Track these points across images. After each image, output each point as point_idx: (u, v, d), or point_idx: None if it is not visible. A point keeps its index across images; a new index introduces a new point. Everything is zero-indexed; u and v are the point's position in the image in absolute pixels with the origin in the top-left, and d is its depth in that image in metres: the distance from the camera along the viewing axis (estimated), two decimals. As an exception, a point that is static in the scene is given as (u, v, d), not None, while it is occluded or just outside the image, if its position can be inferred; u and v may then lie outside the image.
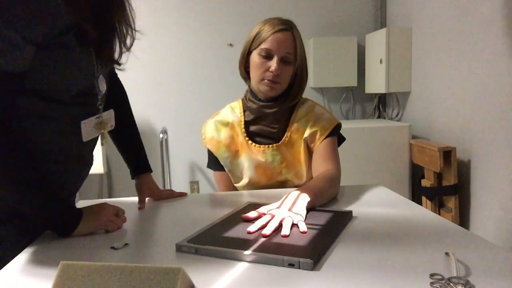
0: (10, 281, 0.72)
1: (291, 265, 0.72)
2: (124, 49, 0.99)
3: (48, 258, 0.81)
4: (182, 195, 1.28)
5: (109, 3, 0.91)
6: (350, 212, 1.00)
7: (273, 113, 1.32)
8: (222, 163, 1.39)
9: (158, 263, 0.77)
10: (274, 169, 1.34)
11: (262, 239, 0.83)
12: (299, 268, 0.71)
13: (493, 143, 2.04)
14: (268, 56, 1.26)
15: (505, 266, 0.70)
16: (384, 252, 0.77)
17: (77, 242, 0.89)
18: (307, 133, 1.31)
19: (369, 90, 3.19)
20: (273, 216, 0.93)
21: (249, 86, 1.37)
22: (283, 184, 1.36)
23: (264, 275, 0.70)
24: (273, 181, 1.36)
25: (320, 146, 1.30)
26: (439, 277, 0.65)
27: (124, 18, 0.96)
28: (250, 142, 1.35)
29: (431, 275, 0.66)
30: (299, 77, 1.32)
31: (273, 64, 1.25)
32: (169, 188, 3.17)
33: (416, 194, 2.59)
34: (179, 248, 0.81)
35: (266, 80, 1.27)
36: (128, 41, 1.00)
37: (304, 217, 0.95)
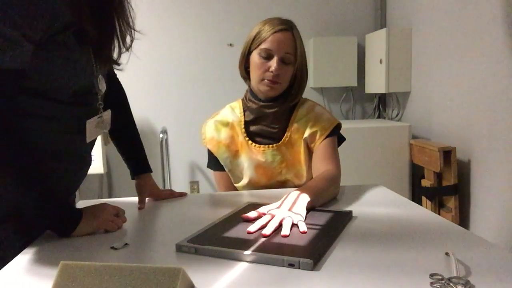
0: (10, 281, 0.72)
1: (291, 265, 0.72)
2: (123, 49, 0.99)
3: (48, 258, 0.81)
4: (182, 195, 1.28)
5: (109, 2, 0.91)
6: (350, 212, 1.00)
7: (273, 113, 1.32)
8: (222, 163, 1.39)
9: (158, 263, 0.77)
10: (274, 169, 1.34)
11: (262, 239, 0.83)
12: (299, 268, 0.71)
13: (493, 143, 2.04)
14: (268, 56, 1.26)
15: (505, 266, 0.70)
16: (384, 252, 0.77)
17: (77, 242, 0.89)
18: (307, 133, 1.31)
19: (369, 90, 3.19)
20: (273, 216, 0.93)
21: (249, 86, 1.37)
22: (283, 184, 1.36)
23: (264, 275, 0.70)
24: (273, 181, 1.36)
25: (320, 146, 1.30)
26: (439, 277, 0.65)
27: (124, 18, 0.96)
28: (250, 142, 1.35)
29: (431, 275, 0.66)
30: (299, 77, 1.32)
31: (273, 64, 1.25)
32: (169, 188, 3.17)
33: (416, 194, 2.59)
34: (179, 248, 0.81)
35: (266, 80, 1.27)
36: (127, 41, 1.00)
37: (304, 217, 0.95)
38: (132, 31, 1.00)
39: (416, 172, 2.61)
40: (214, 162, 1.41)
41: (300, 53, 1.29)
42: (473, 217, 2.24)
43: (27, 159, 0.86)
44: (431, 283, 0.64)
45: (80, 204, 1.15)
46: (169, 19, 3.18)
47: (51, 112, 0.90)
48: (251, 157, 1.34)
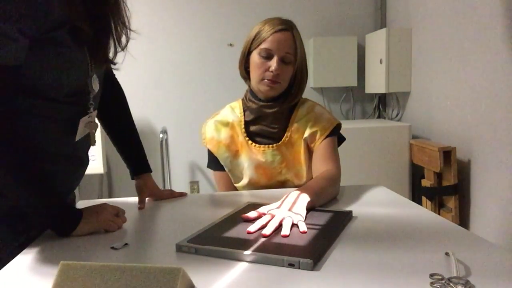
0: (10, 281, 0.72)
1: (291, 265, 0.72)
2: (118, 49, 0.99)
3: (48, 258, 0.81)
4: (182, 195, 1.28)
5: (104, 1, 0.91)
6: (350, 212, 1.00)
7: (273, 113, 1.32)
8: (222, 163, 1.39)
9: (158, 263, 0.77)
10: (274, 169, 1.34)
11: (262, 239, 0.83)
12: (299, 268, 0.71)
13: (493, 143, 2.04)
14: (268, 56, 1.26)
15: (505, 266, 0.70)
16: (384, 252, 0.77)
17: (77, 242, 0.89)
18: (307, 133, 1.31)
19: (369, 90, 3.19)
20: (273, 216, 0.93)
21: (249, 86, 1.37)
22: (283, 184, 1.36)
23: (264, 275, 0.70)
24: (273, 181, 1.36)
25: (320, 146, 1.30)
26: (439, 277, 0.65)
27: (119, 17, 0.96)
28: (250, 142, 1.35)
29: (431, 275, 0.66)
30: (299, 77, 1.32)
31: (273, 64, 1.25)
32: (169, 188, 3.17)
33: (416, 194, 2.59)
34: (179, 248, 0.81)
35: (266, 80, 1.27)
36: (123, 41, 0.99)
37: (304, 217, 0.95)
38: (128, 30, 0.99)
39: (416, 172, 2.61)
40: (214, 162, 1.41)
41: (300, 53, 1.29)
42: (473, 217, 2.23)
43: (26, 158, 0.86)
44: (431, 283, 0.64)
45: (80, 204, 1.15)
46: (169, 19, 3.18)
47: (46, 111, 0.90)
48: (251, 157, 1.34)
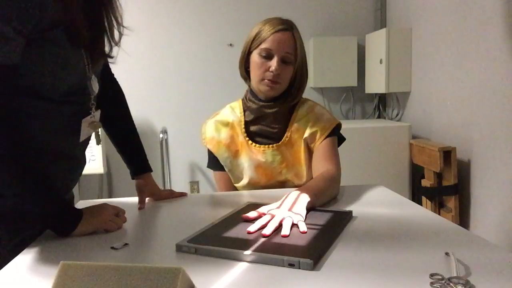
0: (10, 281, 0.72)
1: (291, 265, 0.72)
2: (113, 44, 0.99)
3: (48, 258, 0.81)
4: (182, 195, 1.28)
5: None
6: (350, 212, 1.00)
7: (273, 113, 1.32)
8: (222, 163, 1.39)
9: (158, 263, 0.77)
10: (274, 169, 1.34)
11: (262, 239, 0.83)
12: (299, 268, 0.71)
13: (493, 143, 2.04)
14: (268, 56, 1.26)
15: (505, 266, 0.70)
16: (384, 252, 0.77)
17: (77, 242, 0.89)
18: (307, 133, 1.31)
19: (369, 90, 3.19)
20: (273, 216, 0.93)
21: (249, 86, 1.37)
22: (283, 184, 1.36)
23: (264, 275, 0.70)
24: (273, 181, 1.36)
25: (320, 146, 1.30)
26: (439, 277, 0.65)
27: (113, 14, 0.96)
28: (250, 142, 1.35)
29: (431, 275, 0.66)
30: (299, 77, 1.32)
31: (273, 64, 1.25)
32: (169, 188, 3.17)
33: (416, 194, 2.59)
34: (179, 248, 0.81)
35: (266, 80, 1.27)
36: (116, 37, 1.00)
37: (304, 217, 0.95)
38: (122, 27, 0.99)
39: (416, 172, 2.61)
40: (214, 162, 1.41)
41: (300, 53, 1.29)
42: (473, 217, 2.23)
43: (26, 158, 0.86)
44: (431, 283, 0.64)
45: (80, 204, 1.15)
46: (169, 19, 3.18)
47: (42, 111, 0.90)
48: (251, 157, 1.34)
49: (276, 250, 0.76)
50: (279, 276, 0.69)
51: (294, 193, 1.05)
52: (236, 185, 1.41)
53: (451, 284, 0.62)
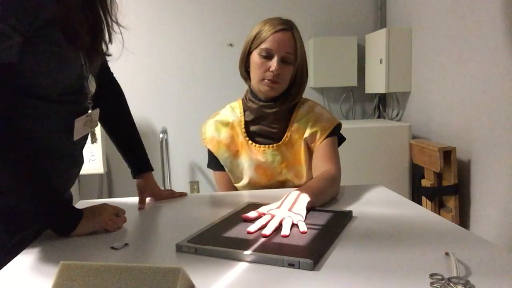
0: (10, 281, 0.72)
1: (291, 265, 0.72)
2: (109, 43, 0.99)
3: (48, 258, 0.81)
4: (182, 195, 1.28)
5: None
6: (350, 212, 1.00)
7: (273, 113, 1.32)
8: (222, 163, 1.39)
9: (158, 263, 0.77)
10: (274, 169, 1.34)
11: (262, 239, 0.83)
12: (299, 268, 0.71)
13: (493, 143, 2.04)
14: (268, 56, 1.26)
15: (505, 266, 0.70)
16: (384, 252, 0.77)
17: (77, 242, 0.89)
18: (307, 133, 1.31)
19: (369, 90, 3.19)
20: (273, 216, 0.93)
21: (249, 86, 1.37)
22: (283, 184, 1.36)
23: (264, 275, 0.70)
24: (273, 181, 1.36)
25: (320, 146, 1.30)
26: (439, 277, 0.65)
27: (109, 11, 0.96)
28: (250, 142, 1.35)
29: (431, 275, 0.66)
30: (299, 77, 1.32)
31: (273, 64, 1.25)
32: (169, 188, 3.17)
33: (416, 194, 2.59)
34: (179, 248, 0.81)
35: (266, 80, 1.27)
36: (112, 35, 1.00)
37: (304, 217, 0.95)
38: (119, 27, 0.99)
39: (416, 172, 2.61)
40: (214, 162, 1.41)
41: (300, 53, 1.29)
42: (473, 217, 2.23)
43: (26, 158, 0.86)
44: (431, 283, 0.64)
45: (80, 204, 1.15)
46: (169, 19, 3.18)
47: (39, 111, 0.89)
48: (251, 157, 1.34)
49: (276, 250, 0.76)
50: (279, 276, 0.69)
51: (294, 193, 1.05)
52: (236, 185, 1.41)
53: (451, 284, 0.62)
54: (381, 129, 2.65)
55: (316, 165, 1.29)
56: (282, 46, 1.25)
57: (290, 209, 0.97)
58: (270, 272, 0.70)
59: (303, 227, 0.88)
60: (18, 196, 0.87)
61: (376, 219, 0.97)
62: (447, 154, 2.23)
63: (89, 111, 0.99)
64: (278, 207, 0.99)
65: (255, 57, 1.28)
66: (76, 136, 0.98)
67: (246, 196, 1.26)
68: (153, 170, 1.24)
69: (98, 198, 3.16)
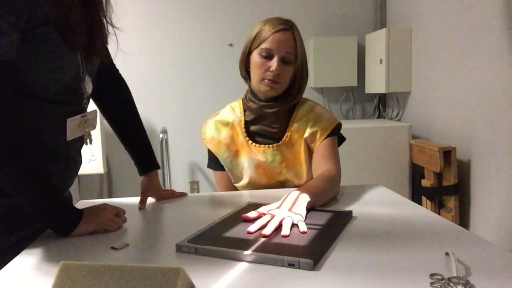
0: (11, 281, 0.72)
1: (291, 265, 0.72)
2: (106, 43, 1.00)
3: (48, 258, 0.81)
4: (182, 195, 1.28)
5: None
6: (350, 212, 1.00)
7: (274, 113, 1.32)
8: (222, 163, 1.39)
9: (158, 263, 0.77)
10: (274, 169, 1.34)
11: (262, 239, 0.83)
12: (299, 268, 0.71)
13: (493, 143, 2.04)
14: (268, 56, 1.26)
15: (505, 266, 0.70)
16: (384, 252, 0.77)
17: (77, 242, 0.89)
18: (307, 133, 1.31)
19: (369, 90, 3.19)
20: (273, 216, 0.93)
21: (250, 86, 1.37)
22: (283, 184, 1.36)
23: (264, 275, 0.70)
24: (273, 181, 1.36)
25: (321, 146, 1.30)
26: (439, 277, 0.65)
27: (104, 12, 0.97)
28: (250, 142, 1.35)
29: (431, 275, 0.66)
30: (299, 77, 1.32)
31: (274, 64, 1.25)
32: (169, 188, 3.17)
33: (416, 194, 2.59)
34: (179, 248, 0.81)
35: (266, 80, 1.27)
36: (106, 35, 1.00)
37: (304, 217, 0.95)
38: (113, 28, 0.99)
39: (416, 172, 2.61)
40: (214, 162, 1.41)
41: (300, 53, 1.29)
42: (473, 217, 2.23)
43: (26, 158, 0.86)
44: (431, 283, 0.64)
45: (80, 204, 1.15)
46: (169, 19, 3.18)
47: (35, 110, 0.89)
48: (251, 157, 1.34)
49: (276, 250, 0.76)
50: (279, 276, 0.69)
51: (294, 193, 1.05)
52: (236, 185, 1.41)
53: (451, 284, 0.62)
54: (381, 129, 2.65)
55: (316, 165, 1.29)
56: (282, 46, 1.25)
57: (290, 209, 0.97)
58: (270, 272, 0.70)
59: (303, 227, 0.88)
60: (18, 196, 0.87)
61: (376, 219, 0.97)
62: (447, 154, 2.23)
63: (85, 112, 0.99)
64: (278, 207, 0.99)
65: (255, 57, 1.28)
66: (70, 137, 0.97)
67: (246, 196, 1.26)
68: (159, 168, 1.24)
69: (98, 198, 3.16)
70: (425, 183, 2.40)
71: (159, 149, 3.15)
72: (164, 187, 3.11)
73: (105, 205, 0.99)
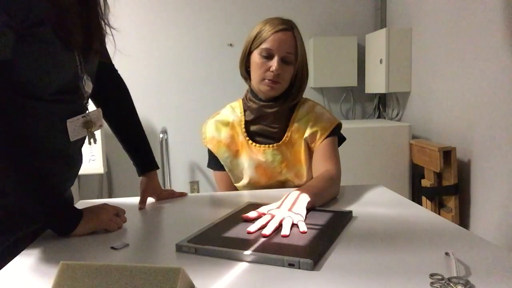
0: (10, 281, 0.72)
1: (291, 265, 0.72)
2: (104, 43, 1.00)
3: (48, 258, 0.81)
4: (182, 195, 1.28)
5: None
6: (350, 212, 1.00)
7: (274, 113, 1.32)
8: (222, 163, 1.38)
9: (158, 263, 0.77)
10: (275, 169, 1.34)
11: (262, 239, 0.83)
12: (299, 268, 0.71)
13: (493, 143, 2.04)
14: (268, 56, 1.26)
15: (505, 266, 0.70)
16: (384, 252, 0.77)
17: (77, 242, 0.89)
18: (307, 133, 1.31)
19: (369, 90, 3.19)
20: (273, 216, 0.93)
21: (250, 86, 1.37)
22: (283, 184, 1.36)
23: (264, 275, 0.70)
24: (273, 181, 1.36)
25: (321, 146, 1.30)
26: (439, 277, 0.65)
27: (102, 12, 0.96)
28: (250, 142, 1.35)
29: (431, 275, 0.66)
30: (300, 77, 1.32)
31: (274, 64, 1.25)
32: (169, 188, 3.17)
33: (416, 194, 2.59)
34: (179, 248, 0.81)
35: (266, 80, 1.27)
36: (104, 34, 1.00)
37: (304, 217, 0.95)
38: (110, 29, 0.99)
39: (416, 172, 2.61)
40: (214, 162, 1.41)
41: (300, 53, 1.29)
42: (473, 217, 2.24)
43: (26, 158, 0.86)
44: (431, 283, 0.64)
45: (80, 204, 1.15)
46: (169, 19, 3.18)
47: (33, 110, 0.89)
48: (252, 157, 1.34)
49: (276, 250, 0.76)
50: (279, 276, 0.69)
51: (294, 193, 1.05)
52: (236, 185, 1.41)
53: (451, 284, 0.62)
54: (381, 129, 2.65)
55: (316, 165, 1.29)
56: (282, 46, 1.25)
57: (290, 209, 0.97)
58: (270, 272, 0.70)
59: (303, 227, 0.88)
60: (18, 196, 0.87)
61: (376, 219, 0.97)
62: (447, 154, 2.23)
63: (87, 112, 0.99)
64: (278, 207, 0.99)
65: (255, 57, 1.28)
66: (73, 137, 0.97)
67: (246, 196, 1.26)
68: (158, 168, 1.24)
69: (98, 198, 3.16)
70: (425, 183, 2.40)
71: (159, 149, 3.15)
72: (164, 187, 3.11)
73: (105, 205, 0.99)
